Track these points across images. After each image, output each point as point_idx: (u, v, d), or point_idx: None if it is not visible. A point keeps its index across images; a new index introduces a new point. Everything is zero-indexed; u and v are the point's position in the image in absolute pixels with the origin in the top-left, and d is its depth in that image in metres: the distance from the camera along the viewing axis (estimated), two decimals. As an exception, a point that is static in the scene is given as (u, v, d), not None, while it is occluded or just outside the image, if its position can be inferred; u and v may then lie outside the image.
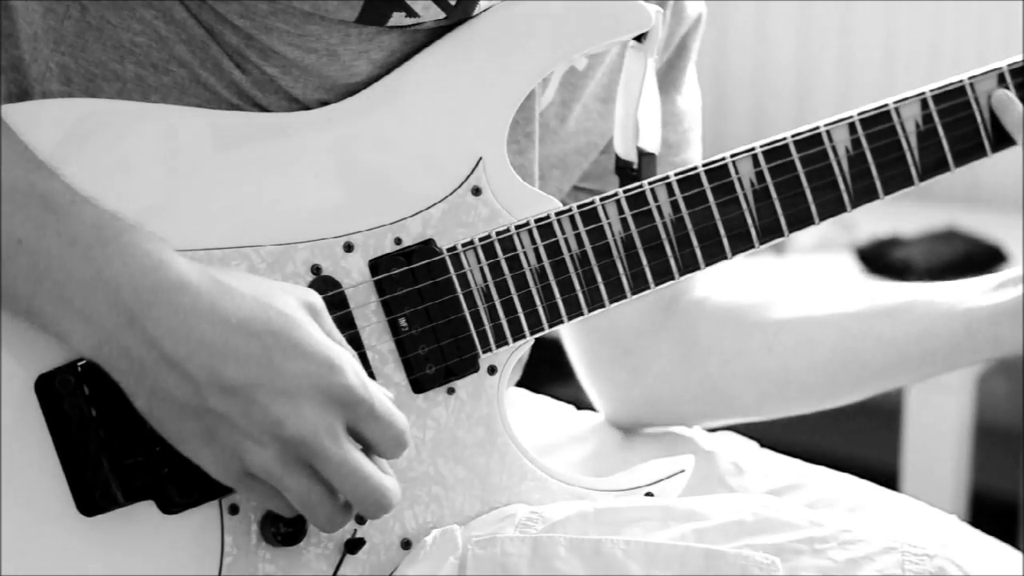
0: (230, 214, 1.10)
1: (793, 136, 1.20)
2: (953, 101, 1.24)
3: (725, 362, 1.33)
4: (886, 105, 1.23)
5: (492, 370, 1.15)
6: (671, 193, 1.17)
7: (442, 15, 1.13)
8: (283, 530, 1.08)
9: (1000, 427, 2.96)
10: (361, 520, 1.11)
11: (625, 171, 1.23)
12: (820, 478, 1.31)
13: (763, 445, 1.37)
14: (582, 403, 1.44)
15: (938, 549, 1.11)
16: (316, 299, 1.04)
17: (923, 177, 1.24)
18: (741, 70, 3.13)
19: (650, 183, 1.17)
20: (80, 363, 1.05)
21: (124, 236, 1.01)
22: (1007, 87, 1.25)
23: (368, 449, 1.04)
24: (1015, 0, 2.61)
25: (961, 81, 1.25)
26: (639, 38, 1.20)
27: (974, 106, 1.24)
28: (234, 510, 1.08)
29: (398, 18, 1.11)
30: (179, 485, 1.06)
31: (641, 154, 1.22)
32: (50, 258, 1.00)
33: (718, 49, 3.14)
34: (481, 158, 1.15)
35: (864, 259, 2.61)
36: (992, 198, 2.95)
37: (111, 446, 1.05)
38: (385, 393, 1.05)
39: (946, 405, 2.36)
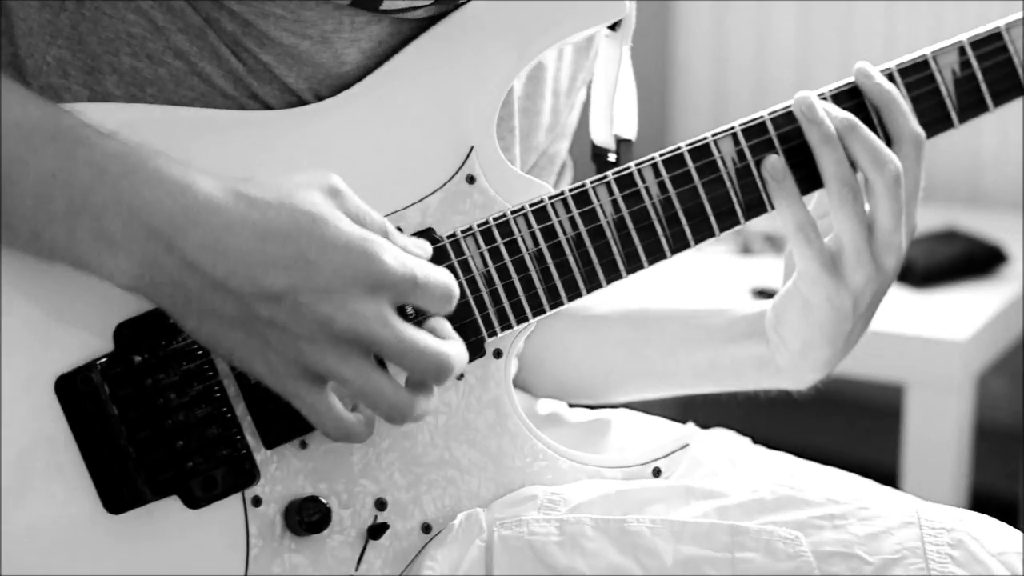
0: None
1: (770, 114, 1.22)
2: (919, 75, 1.26)
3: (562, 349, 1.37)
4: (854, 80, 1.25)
5: (498, 354, 1.16)
6: (657, 174, 1.19)
7: (430, 1, 1.14)
8: (307, 519, 1.09)
9: (1000, 427, 2.96)
10: (381, 506, 1.12)
11: (602, 158, 1.25)
12: (812, 473, 1.31)
13: (762, 445, 1.37)
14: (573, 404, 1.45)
15: (955, 523, 1.12)
16: (336, 180, 1.04)
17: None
18: (742, 67, 3.13)
19: (636, 164, 1.19)
20: (100, 361, 1.06)
21: (150, 163, 1.01)
22: (968, 59, 1.26)
23: (422, 314, 1.05)
24: (1015, 0, 2.61)
25: (924, 56, 1.26)
26: (614, 26, 1.23)
27: (938, 77, 1.26)
28: (257, 502, 1.10)
29: (391, 3, 1.12)
30: (202, 479, 1.08)
31: (618, 141, 1.25)
32: (85, 190, 1.00)
33: (719, 47, 3.15)
34: (473, 147, 1.16)
35: (864, 259, 2.60)
36: (992, 198, 2.95)
37: (135, 443, 1.06)
38: (418, 244, 1.07)
39: (946, 405, 2.36)
